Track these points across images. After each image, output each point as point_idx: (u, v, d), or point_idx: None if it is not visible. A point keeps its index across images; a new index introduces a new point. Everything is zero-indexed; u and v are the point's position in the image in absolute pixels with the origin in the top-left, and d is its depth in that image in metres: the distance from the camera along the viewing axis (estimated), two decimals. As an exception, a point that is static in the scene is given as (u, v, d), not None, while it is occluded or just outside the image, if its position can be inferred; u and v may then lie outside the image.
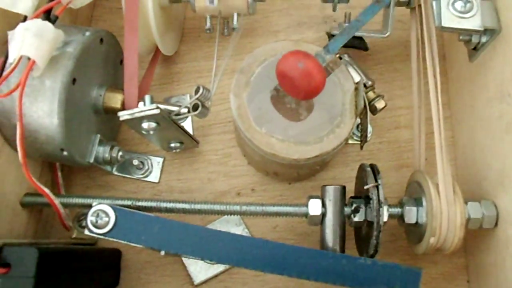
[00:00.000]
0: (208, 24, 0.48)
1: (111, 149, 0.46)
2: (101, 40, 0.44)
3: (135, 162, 0.50)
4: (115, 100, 0.44)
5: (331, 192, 0.40)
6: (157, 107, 0.39)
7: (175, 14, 0.54)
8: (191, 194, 0.51)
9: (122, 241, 0.37)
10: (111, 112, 0.44)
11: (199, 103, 0.43)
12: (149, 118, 0.40)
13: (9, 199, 0.41)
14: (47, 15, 0.39)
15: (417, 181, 0.41)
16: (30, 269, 0.34)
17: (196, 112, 0.43)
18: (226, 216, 0.48)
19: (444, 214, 0.38)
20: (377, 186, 0.38)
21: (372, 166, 0.40)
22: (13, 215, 0.42)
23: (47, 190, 0.41)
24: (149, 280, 0.49)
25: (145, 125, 0.40)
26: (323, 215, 0.39)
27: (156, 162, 0.51)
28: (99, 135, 0.45)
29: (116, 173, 0.50)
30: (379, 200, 0.38)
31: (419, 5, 0.44)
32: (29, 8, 0.40)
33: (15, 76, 0.37)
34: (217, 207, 0.41)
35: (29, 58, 0.36)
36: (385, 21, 0.48)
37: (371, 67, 0.55)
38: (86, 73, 0.42)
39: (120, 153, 0.46)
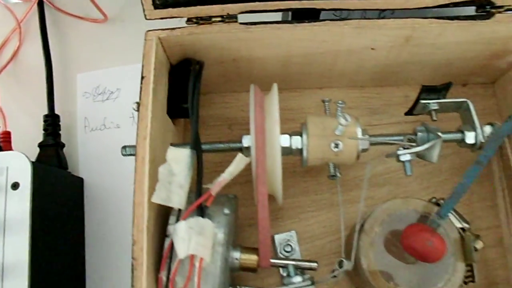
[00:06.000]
0: (332, 169, 0.53)
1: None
2: (235, 210, 0.49)
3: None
4: (251, 261, 0.49)
5: None
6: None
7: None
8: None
9: None
10: (246, 271, 0.50)
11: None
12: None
13: None
14: (201, 209, 0.46)
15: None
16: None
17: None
18: None
19: None
20: None
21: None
22: None
23: None
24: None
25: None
26: None
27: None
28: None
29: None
30: None
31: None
32: (183, 202, 0.45)
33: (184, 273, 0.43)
34: None
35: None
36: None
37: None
38: (229, 246, 0.47)
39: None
